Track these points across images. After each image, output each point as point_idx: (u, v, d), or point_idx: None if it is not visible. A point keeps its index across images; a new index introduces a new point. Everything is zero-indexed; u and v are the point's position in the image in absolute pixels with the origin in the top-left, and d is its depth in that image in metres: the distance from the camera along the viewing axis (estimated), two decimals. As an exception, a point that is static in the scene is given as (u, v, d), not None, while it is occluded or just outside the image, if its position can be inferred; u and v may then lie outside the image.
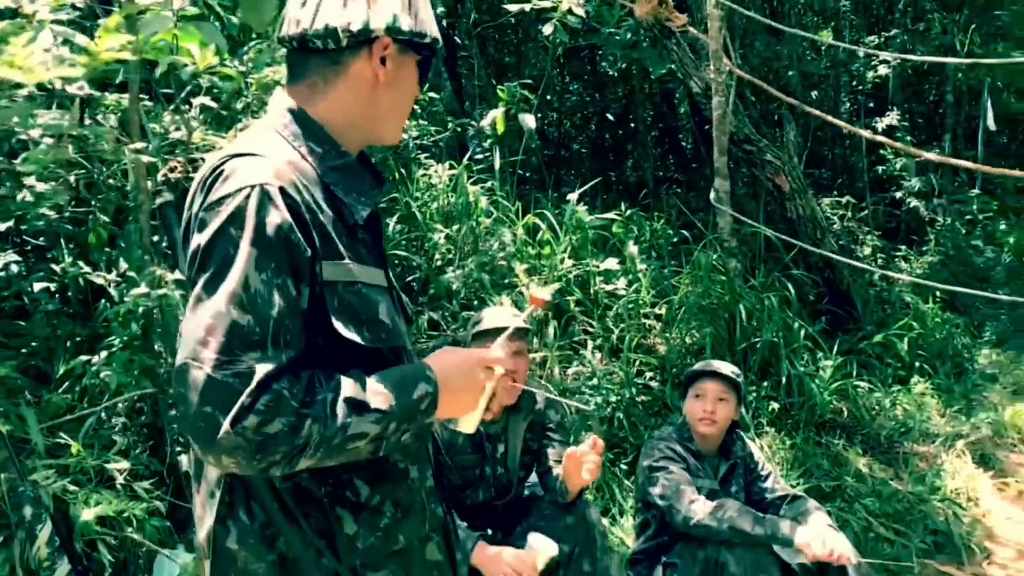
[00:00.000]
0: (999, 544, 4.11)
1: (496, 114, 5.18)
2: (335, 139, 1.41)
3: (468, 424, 1.48)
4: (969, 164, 5.79)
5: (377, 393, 1.27)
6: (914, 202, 7.91)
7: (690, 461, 3.30)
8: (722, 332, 4.73)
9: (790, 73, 6.30)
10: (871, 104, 8.35)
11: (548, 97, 6.54)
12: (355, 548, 1.36)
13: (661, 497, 3.16)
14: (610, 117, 7.45)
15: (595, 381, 4.35)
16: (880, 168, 7.96)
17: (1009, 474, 4.63)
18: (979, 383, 5.55)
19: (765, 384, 4.67)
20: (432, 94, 5.75)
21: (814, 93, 7.97)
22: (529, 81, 5.57)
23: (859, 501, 4.05)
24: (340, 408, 1.22)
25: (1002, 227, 8.44)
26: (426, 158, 5.09)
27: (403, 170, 4.88)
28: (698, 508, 3.06)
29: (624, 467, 4.10)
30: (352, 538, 1.35)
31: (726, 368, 3.37)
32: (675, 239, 5.76)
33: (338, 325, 1.29)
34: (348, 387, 1.25)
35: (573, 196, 5.11)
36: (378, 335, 1.36)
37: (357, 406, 1.24)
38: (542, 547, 2.65)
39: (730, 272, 4.88)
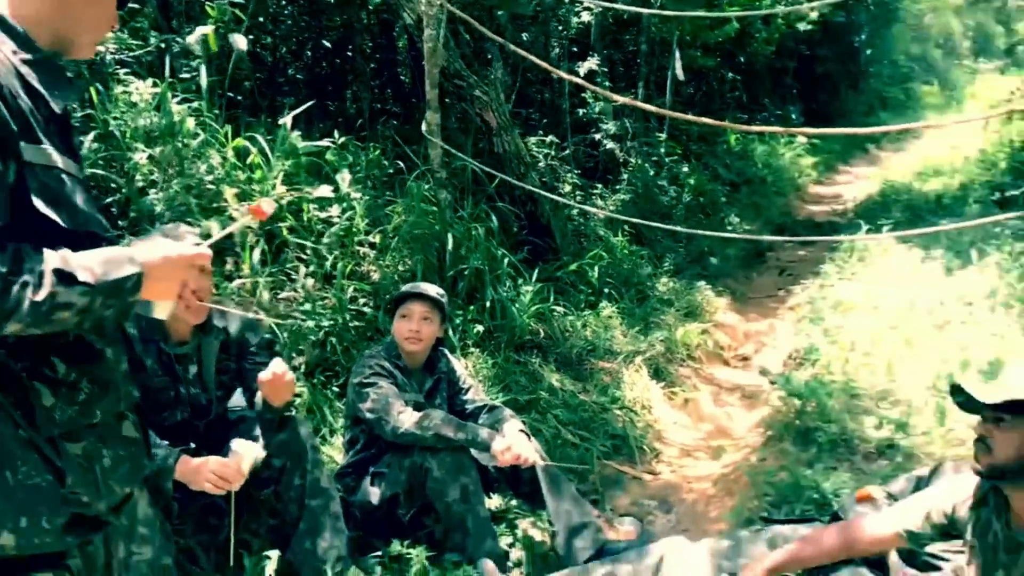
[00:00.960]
0: (666, 444, 4.71)
1: (204, 31, 4.96)
2: (28, 35, 1.44)
3: (162, 311, 1.60)
4: (658, 110, 6.39)
5: (85, 268, 1.34)
6: (610, 144, 8.56)
7: (398, 376, 3.48)
8: (432, 260, 4.94)
9: (499, 13, 6.57)
10: (575, 49, 8.86)
11: (261, 19, 6.33)
12: (52, 420, 1.40)
13: (371, 411, 3.32)
14: (327, 44, 7.35)
15: (308, 306, 4.39)
16: (582, 111, 8.52)
17: (677, 384, 5.29)
18: (657, 307, 6.22)
19: (471, 308, 4.96)
20: (134, 5, 5.39)
21: (525, 35, 8.32)
22: (241, 0, 5.37)
23: (551, 412, 4.46)
24: (48, 278, 1.28)
25: (684, 169, 9.36)
26: (126, 74, 4.79)
27: (100, 86, 4.57)
28: (405, 418, 3.25)
29: (336, 389, 4.21)
30: (49, 410, 1.40)
31: (431, 290, 3.57)
32: (390, 170, 5.87)
33: (39, 203, 1.34)
34: (56, 259, 1.31)
35: (286, 120, 5.05)
36: (76, 219, 1.42)
37: (66, 277, 1.30)
38: (246, 451, 2.67)
39: (441, 203, 5.08)
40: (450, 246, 4.94)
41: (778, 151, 12.42)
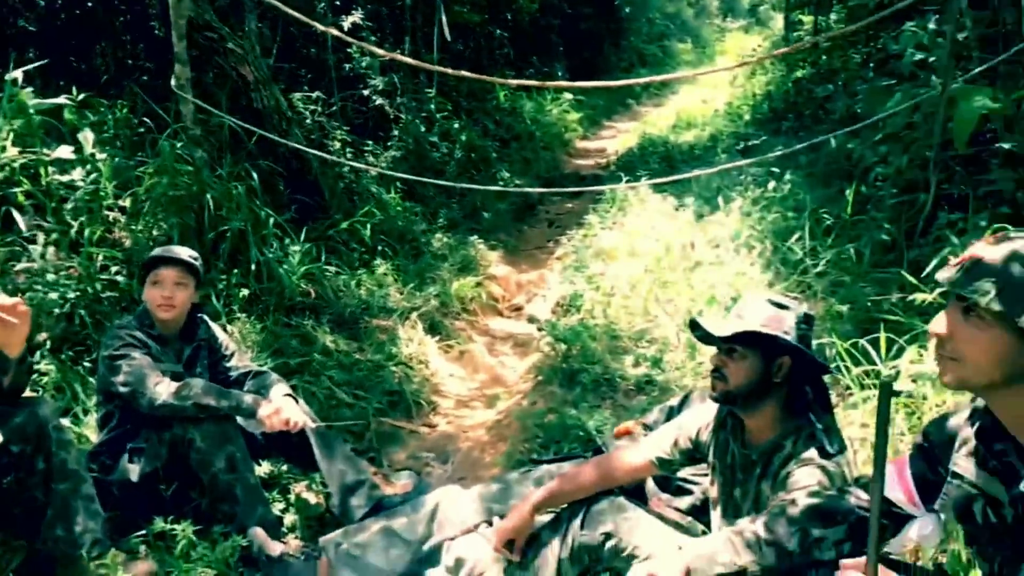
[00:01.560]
0: (443, 397, 4.78)
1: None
2: None
3: None
4: (425, 65, 6.37)
5: None
6: (379, 100, 8.45)
7: (152, 346, 3.29)
8: (190, 222, 4.69)
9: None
10: (338, 3, 8.63)
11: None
12: None
13: (124, 384, 3.12)
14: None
15: (51, 277, 4.06)
16: (347, 66, 8.34)
17: (453, 338, 5.36)
18: (432, 263, 6.26)
19: (236, 272, 4.77)
20: None
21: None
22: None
23: (324, 373, 4.39)
24: None
25: (456, 126, 9.41)
26: None
27: None
28: (162, 389, 3.09)
29: (87, 365, 3.93)
30: None
31: (183, 253, 3.39)
32: (141, 129, 5.50)
33: None
34: None
35: (15, 75, 4.60)
36: None
37: None
38: None
39: (196, 162, 4.82)
40: (210, 207, 4.71)
41: (545, 107, 12.75)
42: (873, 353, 3.32)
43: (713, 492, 2.69)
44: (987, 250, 1.45)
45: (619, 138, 13.24)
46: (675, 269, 5.61)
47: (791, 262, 5.12)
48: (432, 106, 9.36)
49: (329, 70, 7.56)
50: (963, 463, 1.68)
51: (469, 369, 5.14)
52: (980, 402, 1.64)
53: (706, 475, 3.14)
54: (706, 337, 2.50)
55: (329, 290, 5.16)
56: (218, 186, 4.87)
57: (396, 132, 8.27)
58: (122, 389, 3.13)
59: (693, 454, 2.75)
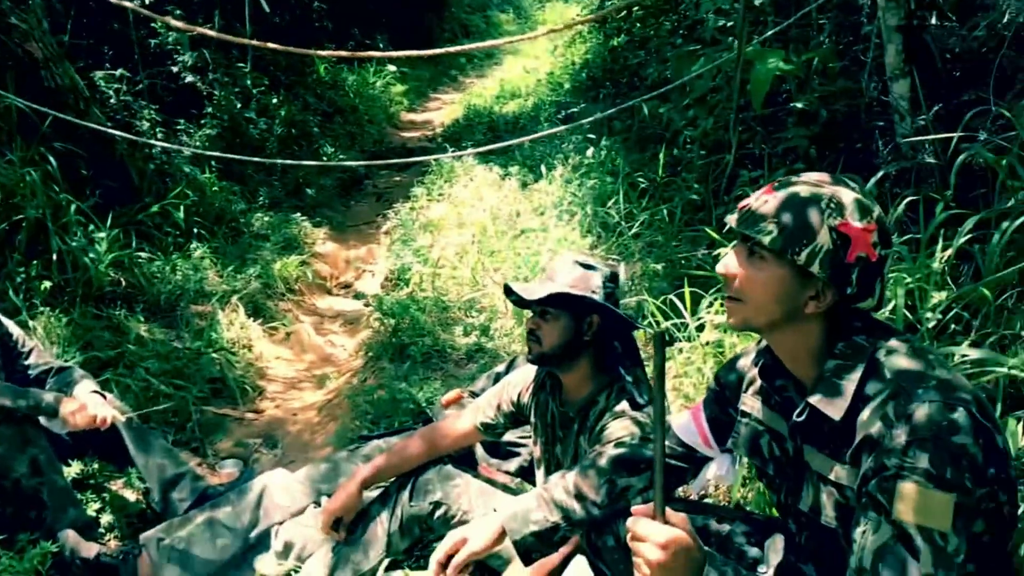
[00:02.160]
0: (270, 381, 4.66)
1: None
2: None
3: None
4: (238, 40, 6.10)
5: None
6: (190, 76, 8.06)
7: (-59, 349, 3.05)
8: (-21, 212, 4.35)
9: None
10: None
11: None
12: None
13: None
14: None
15: None
16: (153, 41, 7.90)
17: (278, 319, 5.22)
18: (253, 243, 6.06)
19: (36, 263, 4.46)
20: None
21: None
22: None
23: (140, 365, 4.18)
24: None
25: (274, 101, 9.11)
26: None
27: None
28: (-49, 394, 2.86)
29: None
30: None
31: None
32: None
33: None
34: None
35: None
36: None
37: None
38: None
39: (-19, 147, 4.46)
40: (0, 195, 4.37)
41: (369, 80, 12.54)
42: (682, 307, 3.47)
43: (537, 452, 2.76)
44: (770, 194, 1.53)
45: (445, 110, 13.21)
46: (501, 238, 5.67)
47: (610, 225, 5.27)
48: (248, 81, 9.01)
49: (133, 46, 7.13)
50: (750, 402, 1.78)
51: (296, 350, 5.03)
52: (763, 342, 1.73)
53: (530, 436, 3.23)
54: (520, 302, 2.55)
55: (141, 277, 4.90)
56: (8, 173, 4.52)
57: (210, 109, 7.91)
58: (-91, 397, 2.88)
59: (516, 416, 2.80)
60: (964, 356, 2.25)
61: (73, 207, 4.79)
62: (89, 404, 3.02)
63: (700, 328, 3.34)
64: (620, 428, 2.31)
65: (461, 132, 9.92)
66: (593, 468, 2.00)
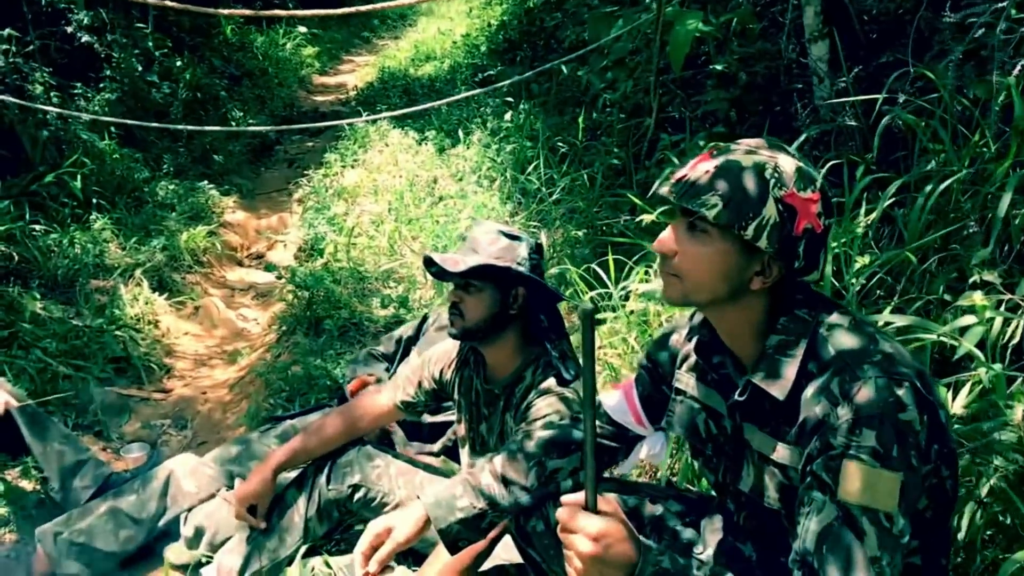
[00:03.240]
0: (178, 358, 4.44)
1: None
2: None
3: None
4: (136, -2, 5.76)
5: None
6: (86, 37, 7.61)
7: None
8: None
9: None
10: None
11: None
12: None
13: None
14: None
15: None
16: (44, 1, 7.43)
17: (185, 293, 4.98)
18: (157, 213, 5.77)
19: (-85, 238, 4.15)
20: None
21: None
22: None
23: (36, 345, 3.93)
24: None
25: (178, 64, 8.71)
26: None
27: None
28: None
29: None
30: None
31: None
32: None
33: None
34: None
35: None
36: None
37: None
38: None
39: None
40: None
41: (279, 41, 12.14)
42: (604, 276, 3.40)
43: (461, 430, 2.66)
44: (708, 163, 1.44)
45: (358, 72, 12.90)
46: (419, 205, 5.53)
47: (530, 192, 5.17)
48: (150, 43, 8.58)
49: (21, 3, 6.68)
50: (684, 379, 1.71)
51: (206, 325, 4.81)
52: (699, 317, 1.66)
53: (454, 414, 3.13)
54: (441, 273, 2.43)
55: (36, 251, 4.61)
56: None
57: (108, 72, 7.50)
58: None
59: (438, 394, 2.70)
60: (890, 323, 2.22)
61: (-44, 177, 4.46)
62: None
63: (625, 297, 3.28)
64: (547, 406, 2.22)
65: (375, 95, 9.66)
66: (520, 451, 1.91)
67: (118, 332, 4.22)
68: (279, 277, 4.79)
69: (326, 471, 2.68)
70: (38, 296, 4.35)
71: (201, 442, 3.72)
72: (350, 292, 4.48)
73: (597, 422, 1.88)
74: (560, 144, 5.60)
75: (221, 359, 4.49)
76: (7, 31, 6.63)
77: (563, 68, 6.24)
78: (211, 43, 10.25)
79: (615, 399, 1.85)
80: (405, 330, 3.46)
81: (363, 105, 9.14)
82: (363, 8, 4.77)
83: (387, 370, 3.34)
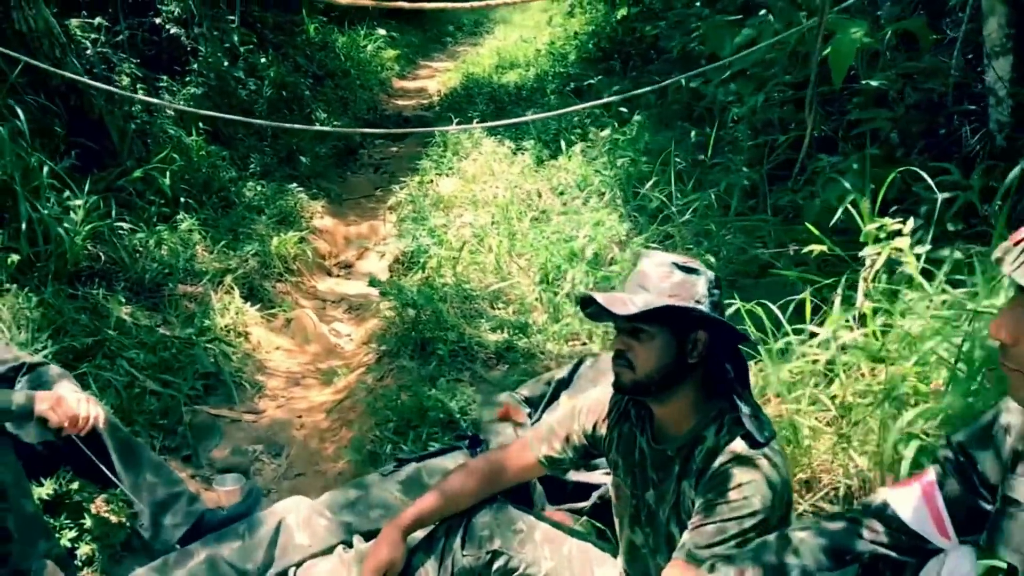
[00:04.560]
0: (270, 375, 4.11)
1: None
2: None
3: None
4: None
5: None
6: (174, 29, 7.39)
7: None
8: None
9: None
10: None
11: None
12: None
13: None
14: None
15: None
16: (133, -12, 7.21)
17: (276, 304, 4.65)
18: (246, 215, 5.45)
19: (1, 233, 3.85)
20: None
21: None
22: None
23: (122, 355, 3.60)
24: None
25: (262, 60, 8.46)
26: None
27: None
28: None
29: None
30: None
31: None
32: None
33: None
34: None
35: None
36: None
37: None
38: None
39: (-60, 96, 3.83)
40: (-39, 154, 3.75)
41: (359, 43, 11.88)
42: (780, 314, 2.94)
43: (616, 495, 2.24)
44: None
45: (438, 78, 12.60)
46: (522, 219, 5.13)
47: (649, 210, 4.75)
48: (235, 37, 8.35)
49: (112, -9, 6.46)
50: (1022, 488, 1.28)
51: (298, 340, 4.46)
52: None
53: (607, 472, 2.71)
54: (598, 314, 2.03)
55: (123, 252, 4.30)
56: (-30, 127, 3.90)
57: (195, 66, 7.25)
58: None
59: (589, 451, 2.29)
60: None
61: (46, 169, 4.17)
62: (69, 399, 2.46)
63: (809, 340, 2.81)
64: (746, 479, 1.82)
65: (461, 102, 9.32)
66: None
67: (208, 344, 3.88)
68: (383, 293, 4.40)
69: (460, 533, 2.28)
70: (123, 300, 4.03)
71: (298, 473, 3.36)
72: (457, 312, 4.10)
73: (880, 527, 1.46)
74: (677, 160, 5.17)
75: (315, 378, 4.13)
76: (97, 20, 6.41)
77: (682, 81, 5.79)
78: (294, 41, 10.03)
79: (913, 499, 1.42)
80: (557, 372, 3.05)
81: (449, 111, 8.79)
82: (445, 4, 4.39)
83: (530, 415, 2.93)
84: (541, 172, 5.96)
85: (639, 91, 5.12)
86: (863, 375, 2.50)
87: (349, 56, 10.98)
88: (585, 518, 2.60)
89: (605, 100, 5.21)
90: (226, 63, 7.70)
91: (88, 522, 2.69)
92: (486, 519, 2.28)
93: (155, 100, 5.36)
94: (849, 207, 3.08)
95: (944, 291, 2.53)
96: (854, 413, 2.37)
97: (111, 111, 5.23)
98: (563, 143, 6.17)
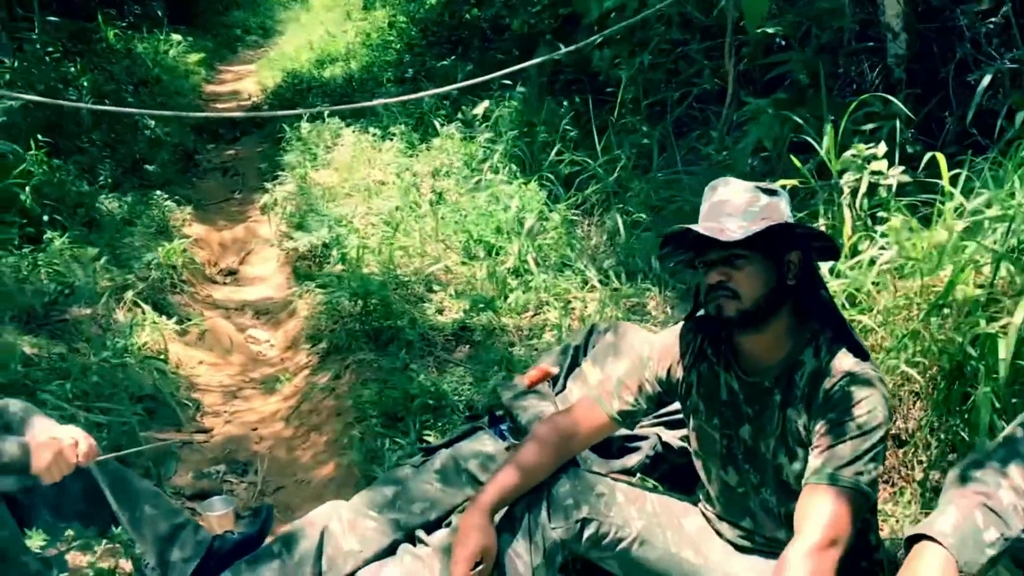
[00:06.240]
0: (203, 391, 3.74)
1: None
2: None
3: None
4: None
5: None
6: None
7: None
8: None
9: None
10: None
11: None
12: None
13: None
14: None
15: None
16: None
17: (183, 317, 4.22)
18: (120, 228, 4.93)
19: None
20: None
21: None
22: None
23: (42, 388, 3.13)
24: None
25: (72, 70, 7.73)
26: None
27: None
28: None
29: None
30: None
31: None
32: None
33: None
34: None
35: None
36: None
37: None
38: None
39: None
40: None
41: (161, 48, 11.12)
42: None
43: (698, 439, 2.16)
44: None
45: (247, 81, 12.04)
46: (420, 204, 4.94)
47: (562, 176, 4.70)
48: (38, 46, 7.57)
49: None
50: None
51: (217, 351, 4.07)
52: None
53: (654, 425, 2.63)
54: (673, 254, 2.00)
55: (7, 278, 3.76)
56: None
57: (9, 78, 6.49)
58: None
59: (663, 398, 2.20)
60: None
61: None
62: (67, 451, 2.10)
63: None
64: (864, 392, 1.82)
65: (292, 97, 8.91)
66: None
67: (137, 365, 3.45)
68: (322, 286, 4.01)
69: (544, 507, 2.13)
70: (19, 330, 3.53)
71: (277, 487, 3.05)
72: (399, 298, 3.88)
73: None
74: (568, 128, 5.14)
75: (253, 389, 3.78)
76: None
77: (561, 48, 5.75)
78: (95, 49, 9.26)
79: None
80: (571, 340, 2.92)
81: (284, 107, 8.38)
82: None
83: (551, 385, 2.79)
84: (421, 155, 5.78)
85: (525, 64, 5.04)
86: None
87: (156, 62, 10.25)
88: (640, 477, 2.50)
89: (489, 76, 5.10)
90: (35, 72, 6.97)
91: (91, 574, 2.30)
92: (566, 488, 2.14)
93: (65, 102, 4.71)
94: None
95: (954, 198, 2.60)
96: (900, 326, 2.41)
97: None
98: (437, 124, 6.00)
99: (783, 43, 4.29)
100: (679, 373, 2.15)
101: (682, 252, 2.06)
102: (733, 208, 1.90)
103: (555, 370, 2.75)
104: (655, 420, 2.56)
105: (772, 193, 1.93)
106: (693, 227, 1.88)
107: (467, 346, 3.62)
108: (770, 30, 4.26)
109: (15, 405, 2.30)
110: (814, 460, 1.86)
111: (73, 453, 2.10)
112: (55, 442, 2.07)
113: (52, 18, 8.69)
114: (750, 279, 1.88)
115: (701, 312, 2.05)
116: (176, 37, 12.20)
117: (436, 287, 4.06)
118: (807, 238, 1.93)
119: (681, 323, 2.18)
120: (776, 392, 1.96)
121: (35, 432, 2.15)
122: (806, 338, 1.94)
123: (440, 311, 3.86)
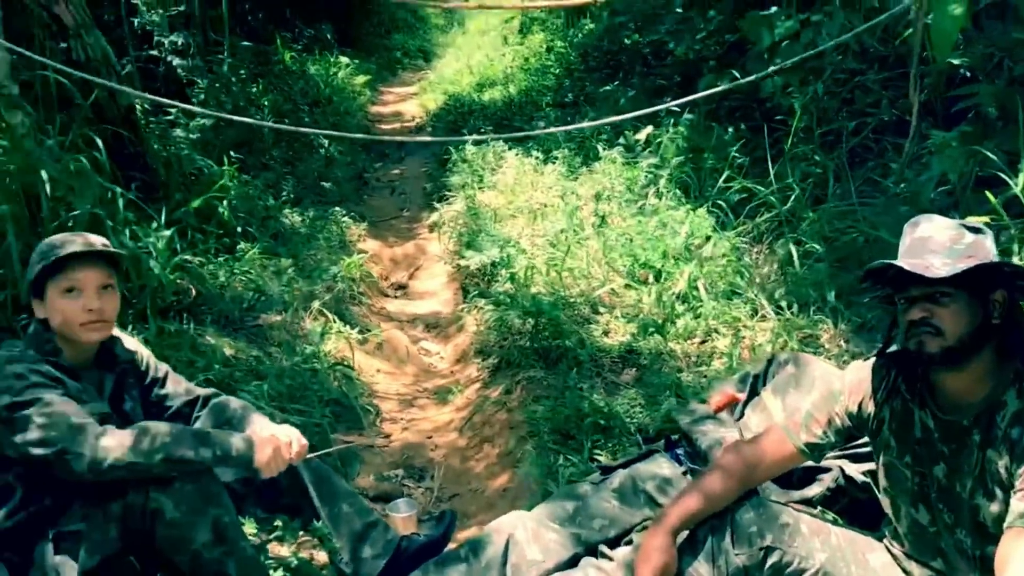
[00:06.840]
0: (382, 399, 3.93)
1: None
2: None
3: None
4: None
5: None
6: (175, 60, 7.16)
7: (69, 383, 2.24)
8: (22, 209, 3.47)
9: None
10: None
11: None
12: None
13: (44, 443, 2.06)
14: None
15: None
16: (135, 20, 6.96)
17: (364, 328, 4.46)
18: (306, 242, 5.26)
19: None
20: None
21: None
22: None
23: (241, 388, 3.38)
24: None
25: (254, 90, 8.27)
26: None
27: None
28: (111, 444, 2.07)
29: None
30: None
31: (98, 241, 2.33)
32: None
33: None
34: None
35: None
36: None
37: None
38: None
39: (16, 129, 3.58)
40: (45, 188, 3.49)
41: (331, 71, 11.70)
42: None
43: (887, 475, 2.15)
44: None
45: (409, 103, 12.47)
46: (584, 227, 5.03)
47: (730, 202, 4.70)
48: (225, 67, 8.14)
49: (122, 21, 6.21)
50: None
51: (393, 361, 4.28)
52: None
53: (839, 457, 2.62)
54: (887, 285, 1.98)
55: (210, 284, 4.08)
56: (51, 160, 3.65)
57: (202, 96, 7.03)
58: (41, 451, 2.07)
59: (852, 433, 2.19)
60: None
61: (122, 201, 3.93)
62: (283, 448, 2.28)
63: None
64: None
65: (458, 120, 9.19)
66: None
67: (327, 370, 3.69)
68: (496, 304, 4.18)
69: (728, 532, 2.16)
70: (218, 332, 3.82)
71: (453, 494, 3.20)
72: (568, 318, 3.98)
73: None
74: (736, 155, 5.13)
75: (427, 399, 3.96)
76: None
77: (736, 76, 5.75)
78: (274, 70, 9.83)
79: None
80: (751, 369, 2.96)
81: (447, 131, 8.69)
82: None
83: (731, 412, 2.83)
84: (582, 179, 5.89)
85: (703, 94, 5.06)
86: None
87: (327, 83, 10.79)
88: (820, 509, 2.50)
89: (661, 107, 5.17)
90: (224, 93, 7.50)
91: (295, 562, 2.49)
92: (750, 515, 2.16)
93: (250, 120, 5.11)
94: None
95: None
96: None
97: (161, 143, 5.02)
98: (600, 148, 6.10)
99: (967, 75, 4.16)
100: (871, 408, 2.14)
101: (879, 287, 2.07)
102: (937, 245, 1.90)
103: (741, 396, 2.78)
104: (840, 452, 2.55)
105: (977, 231, 1.93)
106: (897, 263, 1.89)
107: (634, 369, 3.67)
108: (955, 61, 4.14)
109: (235, 402, 2.53)
110: (1017, 504, 1.83)
111: (288, 451, 2.28)
112: (275, 439, 2.25)
113: (245, 43, 9.30)
114: (954, 316, 1.88)
115: (894, 347, 2.05)
116: (344, 59, 12.80)
117: (602, 309, 4.14)
118: (1013, 276, 1.92)
119: (872, 358, 2.17)
120: (975, 432, 1.94)
121: (256, 429, 2.34)
122: (1009, 378, 1.91)
123: (606, 333, 3.94)
